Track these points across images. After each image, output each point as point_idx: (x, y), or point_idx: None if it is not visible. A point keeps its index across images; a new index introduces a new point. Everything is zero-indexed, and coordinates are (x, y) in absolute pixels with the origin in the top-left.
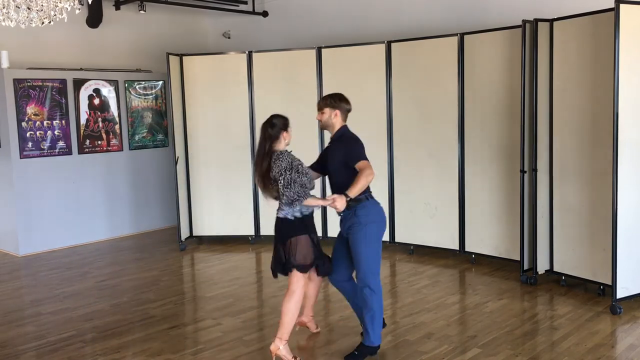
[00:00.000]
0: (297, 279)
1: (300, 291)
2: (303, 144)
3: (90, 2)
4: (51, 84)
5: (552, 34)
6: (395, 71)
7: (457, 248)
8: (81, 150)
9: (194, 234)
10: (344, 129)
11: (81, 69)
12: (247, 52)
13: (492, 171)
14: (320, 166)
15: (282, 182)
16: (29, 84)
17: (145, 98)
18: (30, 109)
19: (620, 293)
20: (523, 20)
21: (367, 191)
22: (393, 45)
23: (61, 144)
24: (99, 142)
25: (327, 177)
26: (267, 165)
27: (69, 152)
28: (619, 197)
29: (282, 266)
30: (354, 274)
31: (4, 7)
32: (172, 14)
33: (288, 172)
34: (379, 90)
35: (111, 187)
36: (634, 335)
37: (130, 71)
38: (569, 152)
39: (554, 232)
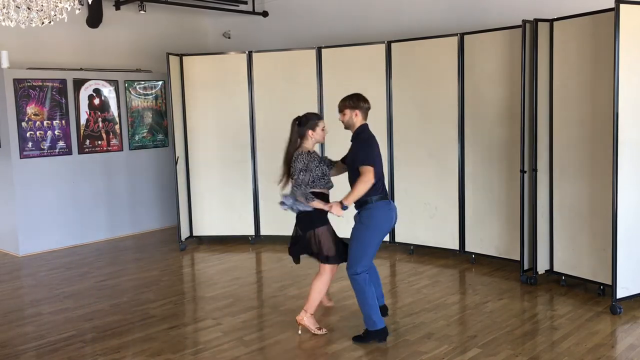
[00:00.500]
0: (328, 266)
1: (329, 275)
2: None
3: (90, 2)
4: (51, 84)
5: (552, 34)
6: (395, 71)
7: (457, 248)
8: (81, 150)
9: (194, 234)
10: (362, 128)
11: (81, 69)
12: (247, 52)
13: (492, 171)
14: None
15: (293, 181)
16: (29, 84)
17: (145, 98)
18: (30, 109)
19: (620, 293)
20: (523, 20)
21: (373, 193)
22: (393, 45)
23: (61, 144)
24: (99, 142)
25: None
26: (289, 162)
27: (69, 152)
28: (619, 197)
29: (314, 254)
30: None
31: (4, 7)
32: (172, 14)
33: (302, 174)
34: (379, 90)
35: (111, 187)
36: (634, 335)
37: (130, 71)
38: (569, 152)
39: (554, 232)
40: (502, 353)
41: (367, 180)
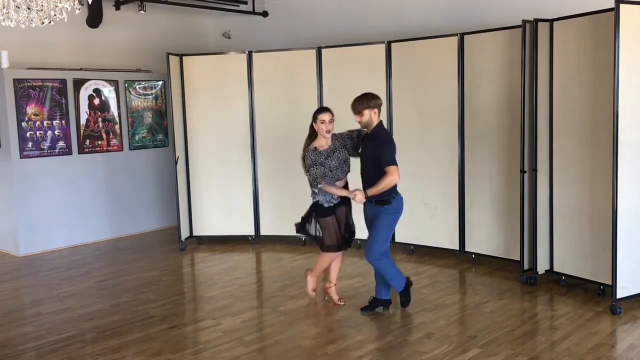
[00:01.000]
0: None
1: (327, 257)
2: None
3: (90, 2)
4: (51, 84)
5: (552, 34)
6: (395, 71)
7: (457, 248)
8: (81, 150)
9: (194, 234)
10: (380, 126)
11: (81, 69)
12: (247, 52)
13: (492, 171)
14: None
15: (308, 177)
16: (29, 84)
17: (145, 98)
18: (30, 109)
19: (620, 293)
20: (523, 20)
21: (392, 191)
22: (393, 45)
23: (61, 144)
24: (99, 142)
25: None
26: (303, 161)
27: (69, 152)
28: (619, 197)
29: (312, 237)
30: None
31: (4, 7)
32: (172, 14)
33: (313, 169)
34: (379, 90)
35: (111, 187)
36: (634, 335)
37: (130, 71)
38: (569, 152)
39: (554, 232)
40: (502, 353)
41: (394, 180)
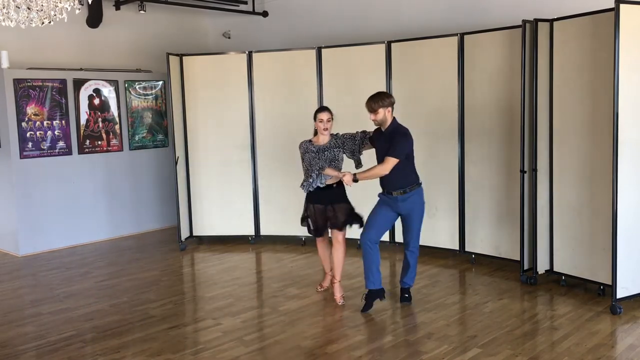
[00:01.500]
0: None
1: (318, 245)
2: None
3: (90, 2)
4: (51, 84)
5: (552, 34)
6: (395, 71)
7: (457, 248)
8: (81, 151)
9: (194, 234)
10: (396, 123)
11: (81, 69)
12: (247, 52)
13: (492, 171)
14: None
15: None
16: (29, 84)
17: (145, 98)
18: (30, 109)
19: (620, 293)
20: (523, 20)
21: (417, 181)
22: (393, 45)
23: (61, 144)
24: (99, 142)
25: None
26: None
27: (69, 152)
28: (619, 197)
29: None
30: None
31: (4, 7)
32: (172, 14)
33: (306, 155)
34: (379, 90)
35: (111, 187)
36: (634, 335)
37: (130, 71)
38: (569, 152)
39: (554, 232)
40: (502, 353)
41: (386, 169)
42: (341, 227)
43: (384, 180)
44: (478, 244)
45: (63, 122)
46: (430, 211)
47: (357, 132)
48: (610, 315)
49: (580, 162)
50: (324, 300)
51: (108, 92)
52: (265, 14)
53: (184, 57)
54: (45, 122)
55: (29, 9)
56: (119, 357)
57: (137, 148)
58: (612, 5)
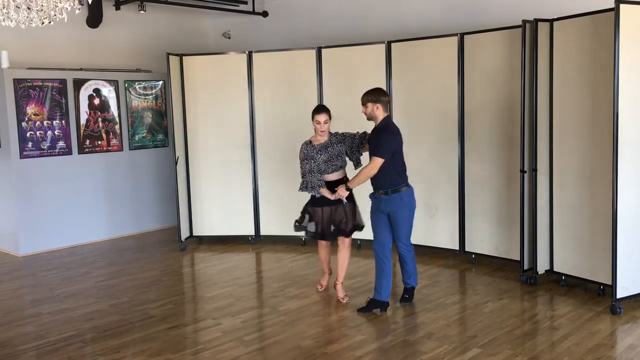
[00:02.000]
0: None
1: (319, 246)
2: None
3: (90, 2)
4: (51, 84)
5: (552, 34)
6: (395, 71)
7: (457, 248)
8: (81, 150)
9: (194, 234)
10: (386, 122)
11: (81, 69)
12: (247, 52)
13: (492, 171)
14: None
15: (300, 170)
16: (29, 84)
17: (145, 98)
18: (30, 109)
19: (620, 293)
20: (523, 20)
21: (402, 182)
22: (393, 45)
23: (61, 144)
24: (99, 142)
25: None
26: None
27: (69, 152)
28: (619, 197)
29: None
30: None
31: (4, 7)
32: (172, 14)
33: (304, 163)
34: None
35: (111, 187)
36: (634, 335)
37: (130, 71)
38: (569, 152)
39: (554, 232)
40: (502, 353)
41: (372, 168)
42: (348, 235)
43: (371, 180)
44: (478, 244)
45: (63, 122)
46: (430, 211)
47: (357, 132)
48: (610, 315)
49: (580, 162)
50: (324, 300)
51: (108, 92)
52: (265, 14)
53: (184, 57)
54: (45, 122)
55: (29, 9)
56: (119, 357)
57: (137, 148)
58: (612, 5)
